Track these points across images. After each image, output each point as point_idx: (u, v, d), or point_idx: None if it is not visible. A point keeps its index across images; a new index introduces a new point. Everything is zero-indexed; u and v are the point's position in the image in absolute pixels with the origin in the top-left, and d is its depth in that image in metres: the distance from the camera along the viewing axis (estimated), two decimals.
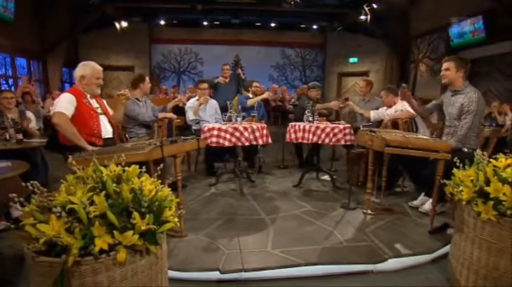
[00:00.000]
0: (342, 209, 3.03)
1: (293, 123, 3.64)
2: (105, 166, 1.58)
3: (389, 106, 3.81)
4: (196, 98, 4.35)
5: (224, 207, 3.11)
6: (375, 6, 8.64)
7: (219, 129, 3.29)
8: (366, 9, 8.87)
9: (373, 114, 4.05)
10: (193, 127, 4.29)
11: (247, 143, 3.28)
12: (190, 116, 4.22)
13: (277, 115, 8.60)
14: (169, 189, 1.60)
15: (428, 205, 2.90)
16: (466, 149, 2.73)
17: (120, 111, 2.89)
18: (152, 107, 3.65)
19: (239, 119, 3.49)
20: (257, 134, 3.34)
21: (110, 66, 10.90)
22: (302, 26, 11.79)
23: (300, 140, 3.50)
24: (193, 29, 11.87)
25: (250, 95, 4.60)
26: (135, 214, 1.36)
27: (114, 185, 1.45)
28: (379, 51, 11.06)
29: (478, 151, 2.00)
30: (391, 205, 3.13)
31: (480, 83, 8.25)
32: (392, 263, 2.10)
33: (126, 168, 1.60)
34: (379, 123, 4.31)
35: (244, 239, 2.40)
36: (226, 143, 3.26)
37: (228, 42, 11.85)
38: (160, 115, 3.52)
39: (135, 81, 3.47)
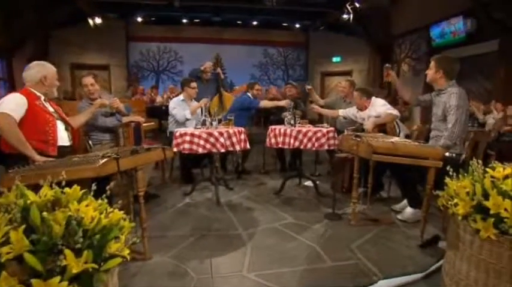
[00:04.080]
0: (326, 220, 2.80)
1: (273, 127, 3.39)
2: (38, 187, 1.28)
3: (360, 109, 3.61)
4: (182, 98, 4.05)
5: (198, 221, 2.82)
6: (357, 5, 8.51)
7: (192, 134, 3.00)
8: (349, 8, 8.73)
9: (341, 114, 3.85)
10: (170, 130, 3.99)
11: (223, 150, 3.01)
12: (187, 115, 3.88)
13: (260, 116, 8.34)
14: (123, 212, 1.32)
15: (408, 213, 2.72)
16: (450, 154, 2.56)
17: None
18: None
19: (214, 123, 3.21)
20: (234, 139, 3.07)
21: (84, 64, 10.37)
22: (284, 24, 11.56)
23: (280, 145, 3.25)
24: (173, 26, 11.45)
25: (251, 96, 4.35)
26: (67, 252, 1.07)
27: (45, 213, 1.15)
28: (362, 51, 10.98)
29: (474, 161, 1.81)
30: (378, 213, 2.94)
31: (461, 83, 8.26)
32: (382, 286, 1.88)
33: (66, 189, 1.31)
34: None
35: (218, 260, 2.12)
36: (200, 150, 2.98)
37: (208, 41, 11.49)
38: (125, 119, 3.18)
39: None
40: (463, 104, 2.52)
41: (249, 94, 4.37)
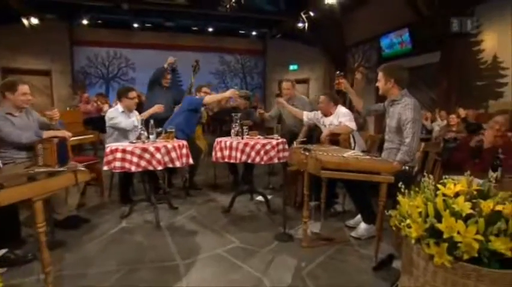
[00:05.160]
0: (276, 241, 2.55)
1: (219, 139, 3.10)
2: None
3: (325, 114, 3.48)
4: (121, 109, 3.49)
5: (130, 250, 2.42)
6: (311, 14, 8.60)
7: (124, 151, 2.61)
8: (303, 16, 8.80)
9: (306, 118, 3.69)
10: (108, 144, 3.52)
11: (160, 167, 2.65)
12: (134, 121, 3.42)
13: (215, 125, 8.02)
14: None
15: (362, 230, 2.57)
16: (403, 168, 2.47)
17: None
18: (40, 123, 2.83)
19: (152, 136, 2.85)
20: (173, 154, 2.73)
21: (18, 69, 9.34)
22: (241, 32, 11.46)
23: (226, 160, 2.97)
24: (123, 31, 10.81)
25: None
26: None
27: None
28: (318, 59, 11.18)
29: (426, 177, 1.66)
30: (332, 231, 2.75)
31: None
32: None
33: None
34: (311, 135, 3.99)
35: None
36: (133, 168, 2.60)
37: (162, 47, 10.98)
38: (46, 134, 2.70)
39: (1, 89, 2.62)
40: (418, 117, 2.45)
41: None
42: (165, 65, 4.34)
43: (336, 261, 2.25)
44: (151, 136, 2.85)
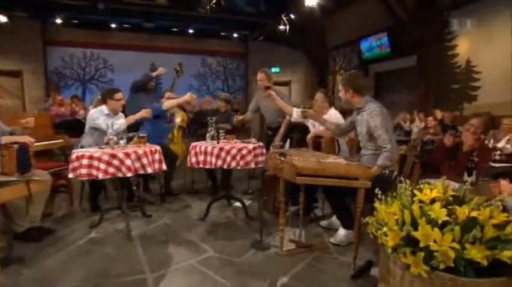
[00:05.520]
0: (253, 250, 2.45)
1: (194, 144, 2.98)
2: None
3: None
4: (106, 111, 3.25)
5: (97, 263, 2.27)
6: (292, 16, 8.60)
7: (91, 157, 2.46)
8: (284, 19, 8.78)
9: (295, 115, 3.53)
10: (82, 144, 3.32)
11: (129, 174, 2.50)
12: (120, 124, 3.19)
13: (196, 128, 7.85)
14: None
15: (341, 236, 2.52)
16: (385, 171, 2.45)
17: None
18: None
19: (122, 141, 2.70)
20: (145, 160, 2.59)
21: None
22: (223, 34, 11.34)
23: (201, 165, 2.85)
24: (100, 31, 10.45)
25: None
26: None
27: None
28: (300, 62, 11.20)
29: (403, 183, 1.61)
30: (311, 237, 2.69)
31: (387, 95, 8.81)
32: None
33: None
34: (301, 136, 3.91)
35: None
36: (101, 176, 2.44)
37: (141, 48, 10.75)
38: (5, 139, 2.50)
39: None
40: (386, 120, 2.44)
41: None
42: (154, 74, 4.25)
43: (314, 270, 2.17)
44: (121, 141, 2.70)
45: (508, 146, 4.09)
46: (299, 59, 11.08)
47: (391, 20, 7.27)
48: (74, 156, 2.53)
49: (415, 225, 1.45)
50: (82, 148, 3.24)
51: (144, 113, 3.41)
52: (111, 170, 2.46)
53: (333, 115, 3.22)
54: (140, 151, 2.58)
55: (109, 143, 2.61)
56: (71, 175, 2.55)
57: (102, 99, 3.38)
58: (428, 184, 1.75)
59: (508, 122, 4.15)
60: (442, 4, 6.59)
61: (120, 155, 2.46)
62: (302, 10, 8.01)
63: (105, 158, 2.44)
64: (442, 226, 1.40)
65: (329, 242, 2.55)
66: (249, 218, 3.09)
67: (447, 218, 1.39)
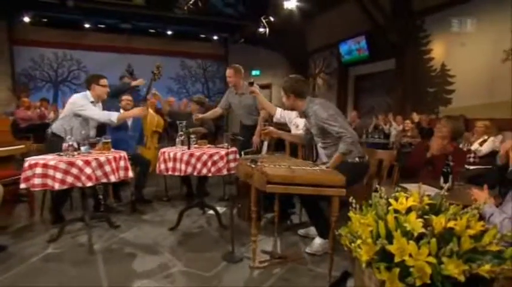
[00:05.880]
0: (224, 262, 2.30)
1: (163, 150, 2.81)
2: None
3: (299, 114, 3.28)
4: (91, 99, 3.06)
5: (49, 283, 2.05)
6: (271, 19, 8.54)
7: (45, 165, 2.24)
8: (264, 21, 8.72)
9: (278, 115, 3.39)
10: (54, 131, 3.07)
11: (90, 183, 2.30)
12: (112, 118, 3.02)
13: (172, 131, 7.62)
14: None
15: (317, 245, 2.41)
16: (352, 160, 2.41)
17: None
18: None
19: (83, 147, 2.49)
20: (107, 168, 2.40)
21: None
22: (202, 36, 11.16)
23: (170, 172, 2.68)
24: (73, 31, 10.04)
25: (122, 111, 3.58)
26: None
27: None
28: (280, 65, 11.17)
29: (377, 192, 1.52)
30: (287, 246, 2.57)
31: (366, 98, 8.90)
32: None
33: None
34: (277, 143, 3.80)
35: None
36: (57, 186, 2.23)
37: (117, 50, 10.41)
38: None
39: None
40: (332, 111, 2.42)
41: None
42: (133, 84, 4.09)
43: (288, 283, 2.05)
44: (82, 147, 2.49)
45: (481, 148, 4.17)
46: (280, 62, 11.05)
47: (369, 24, 7.34)
48: (26, 164, 2.30)
49: (390, 238, 1.35)
50: (52, 133, 2.99)
51: (138, 110, 3.22)
52: (69, 179, 2.25)
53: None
54: (102, 158, 2.38)
55: (68, 149, 2.39)
56: (22, 185, 2.32)
57: (86, 85, 3.16)
58: (405, 190, 1.67)
59: (482, 125, 4.21)
60: (416, 9, 6.71)
61: (79, 163, 2.26)
62: (282, 13, 7.97)
63: (62, 166, 2.23)
64: (418, 239, 1.31)
65: (305, 252, 2.44)
66: (223, 227, 2.94)
67: (423, 230, 1.30)
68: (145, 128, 4.47)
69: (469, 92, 5.85)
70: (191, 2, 7.40)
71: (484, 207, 1.58)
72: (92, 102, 3.08)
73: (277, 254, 2.39)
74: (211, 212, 3.28)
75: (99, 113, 3.06)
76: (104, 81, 3.13)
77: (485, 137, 4.08)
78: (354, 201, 1.60)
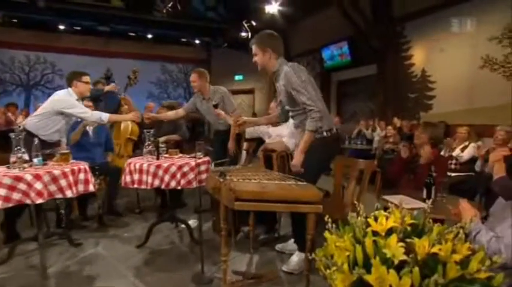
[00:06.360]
0: (193, 285, 2.10)
1: (129, 161, 2.58)
2: None
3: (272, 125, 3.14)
4: (75, 97, 2.98)
5: None
6: (253, 23, 8.43)
7: None
8: (246, 26, 8.60)
9: (250, 129, 3.29)
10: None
11: (40, 200, 2.05)
12: (103, 117, 2.98)
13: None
14: None
15: (294, 263, 2.24)
16: (320, 135, 2.20)
17: None
18: None
19: (36, 160, 2.24)
20: (63, 182, 2.15)
21: None
22: (183, 40, 10.92)
23: (136, 185, 2.45)
24: (47, 33, 9.59)
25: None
26: None
27: None
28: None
29: (354, 214, 1.36)
30: (261, 265, 2.38)
31: (349, 103, 8.88)
32: None
33: None
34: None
35: None
36: (0, 204, 1.98)
37: (94, 53, 10.04)
38: None
39: None
40: (304, 77, 2.18)
41: None
42: (105, 89, 3.89)
43: None
44: (35, 159, 2.24)
45: (463, 154, 4.13)
46: None
47: (351, 29, 7.32)
48: None
49: (368, 265, 1.19)
50: (25, 131, 2.73)
51: (133, 115, 3.16)
52: (15, 196, 2.00)
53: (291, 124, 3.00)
54: (57, 171, 2.13)
55: (16, 161, 2.14)
56: None
57: (67, 83, 3.04)
58: (386, 203, 1.53)
59: (463, 131, 4.17)
60: (396, 15, 6.73)
61: (28, 177, 2.01)
62: (264, 17, 7.87)
63: (7, 181, 1.98)
64: (399, 266, 1.16)
65: (281, 271, 2.26)
66: (195, 242, 2.73)
67: (405, 257, 1.15)
68: (119, 135, 4.22)
69: (449, 98, 5.87)
70: (169, 5, 7.19)
71: (471, 225, 1.45)
72: (77, 100, 2.99)
73: (250, 274, 2.20)
74: (183, 226, 3.07)
75: (89, 112, 2.98)
76: (86, 78, 3.07)
77: (466, 143, 4.04)
78: (329, 219, 1.44)
